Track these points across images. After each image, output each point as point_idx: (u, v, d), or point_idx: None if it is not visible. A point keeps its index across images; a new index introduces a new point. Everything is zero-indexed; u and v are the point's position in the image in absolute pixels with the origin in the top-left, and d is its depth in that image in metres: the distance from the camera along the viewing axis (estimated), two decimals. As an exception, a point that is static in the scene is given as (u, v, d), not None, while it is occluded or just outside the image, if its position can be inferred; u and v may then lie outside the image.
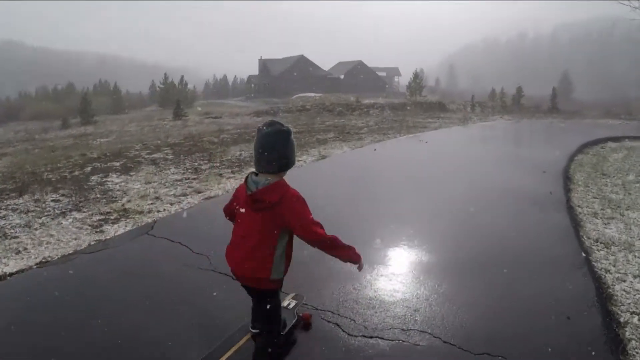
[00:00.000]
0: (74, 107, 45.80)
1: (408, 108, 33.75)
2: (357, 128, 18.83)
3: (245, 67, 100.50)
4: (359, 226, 6.04)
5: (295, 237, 2.70)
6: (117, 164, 10.89)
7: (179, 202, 7.40)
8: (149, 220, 6.32)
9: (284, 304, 3.43)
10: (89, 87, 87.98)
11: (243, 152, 12.44)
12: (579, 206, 7.35)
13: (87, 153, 13.10)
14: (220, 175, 9.46)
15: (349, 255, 2.69)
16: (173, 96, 55.37)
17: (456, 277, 4.40)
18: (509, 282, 4.30)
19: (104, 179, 9.17)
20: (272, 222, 2.56)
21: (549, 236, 5.81)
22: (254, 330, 3.11)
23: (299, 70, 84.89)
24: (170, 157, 11.89)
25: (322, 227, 2.60)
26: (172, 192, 7.99)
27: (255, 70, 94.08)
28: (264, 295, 2.77)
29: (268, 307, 2.77)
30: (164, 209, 6.93)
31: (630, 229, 6.29)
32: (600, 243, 5.66)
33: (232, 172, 9.76)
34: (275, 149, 2.54)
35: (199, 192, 7.96)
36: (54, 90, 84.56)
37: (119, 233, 5.83)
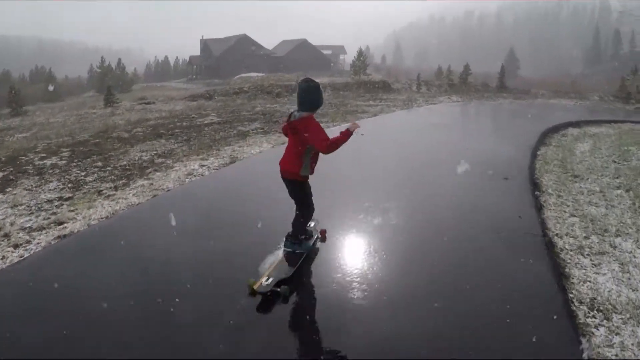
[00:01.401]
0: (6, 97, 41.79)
1: (350, 88, 31.57)
2: (288, 115, 16.36)
3: (189, 49, 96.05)
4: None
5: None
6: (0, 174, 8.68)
7: (28, 242, 5.24)
8: None
9: (310, 224, 4.78)
10: (24, 73, 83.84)
11: (145, 154, 10.10)
12: (557, 235, 5.26)
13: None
14: (99, 192, 7.19)
15: (347, 138, 3.97)
16: (111, 80, 53.62)
17: None
18: None
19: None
20: (300, 141, 4.05)
21: (526, 310, 3.66)
22: (285, 248, 4.39)
23: (241, 50, 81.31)
24: (62, 162, 9.70)
25: (328, 139, 3.90)
26: (28, 224, 5.84)
27: (198, 51, 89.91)
28: (297, 184, 4.23)
29: (300, 192, 4.28)
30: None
31: (629, 271, 4.44)
32: (598, 311, 3.71)
33: (115, 188, 7.40)
34: (306, 97, 4.08)
35: (60, 224, 5.77)
36: (-13, 78, 78.50)
37: None
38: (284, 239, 4.43)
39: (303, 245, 4.39)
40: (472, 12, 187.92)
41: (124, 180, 7.89)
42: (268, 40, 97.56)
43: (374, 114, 16.23)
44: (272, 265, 4.13)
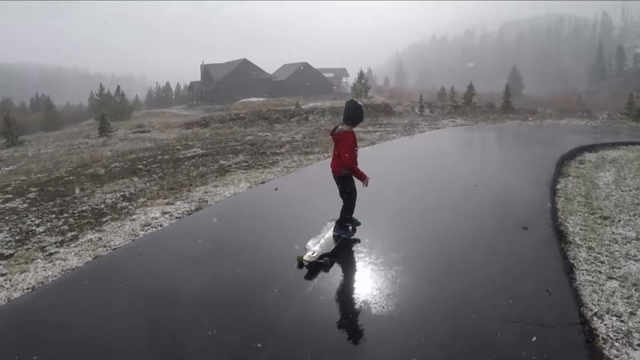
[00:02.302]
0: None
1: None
2: (279, 145, 15.24)
3: (191, 74, 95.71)
4: None
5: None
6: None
7: None
8: None
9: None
10: (25, 102, 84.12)
11: (111, 196, 9.04)
12: (596, 315, 4.00)
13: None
14: (43, 249, 6.15)
15: (360, 177, 5.17)
16: (110, 108, 54.48)
17: None
18: None
19: None
20: (339, 150, 5.16)
21: None
22: (333, 232, 5.48)
23: (242, 75, 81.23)
24: (24, 206, 8.81)
25: (353, 161, 5.14)
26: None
27: (199, 77, 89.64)
28: (343, 180, 5.31)
29: (345, 187, 5.33)
30: None
31: None
32: None
33: (61, 244, 6.33)
34: (348, 114, 5.09)
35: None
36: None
37: None
38: (334, 223, 5.59)
39: (346, 232, 5.52)
40: (473, 31, 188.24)
41: (74, 232, 6.79)
42: (269, 64, 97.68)
43: (371, 142, 15.03)
44: (316, 244, 5.22)
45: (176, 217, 7.09)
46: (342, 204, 5.45)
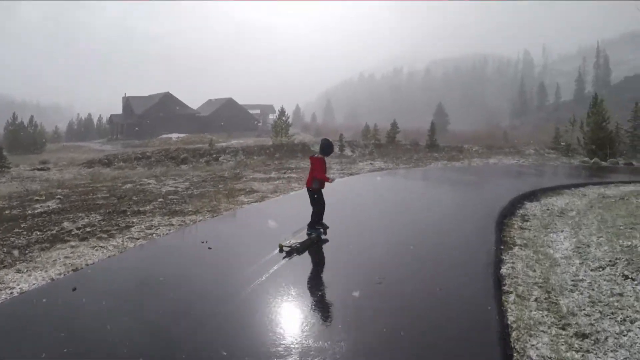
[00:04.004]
0: None
1: (266, 152, 27.73)
2: (150, 199, 11.92)
3: (117, 107, 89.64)
4: None
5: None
6: None
7: None
8: None
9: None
10: None
11: None
12: None
13: None
14: None
15: (326, 180, 7.36)
16: (21, 140, 51.10)
17: None
18: None
19: None
20: (313, 169, 7.38)
21: None
22: (308, 232, 7.50)
23: (165, 109, 76.86)
24: None
25: (322, 174, 7.33)
26: None
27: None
28: (315, 193, 7.41)
29: (316, 197, 7.45)
30: None
31: None
32: None
33: None
34: (323, 148, 7.46)
35: None
36: None
37: None
38: (307, 226, 7.60)
39: (316, 231, 7.57)
40: (401, 69, 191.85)
41: None
42: (195, 99, 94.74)
43: (261, 198, 11.83)
44: (293, 238, 7.26)
45: None
46: (313, 210, 7.58)
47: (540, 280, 5.53)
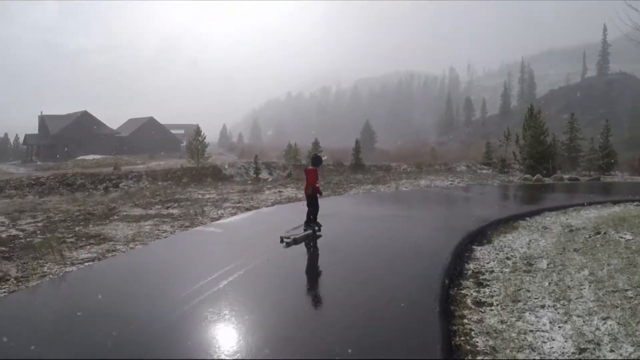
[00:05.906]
0: None
1: (173, 176, 23.99)
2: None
3: (34, 125, 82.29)
4: None
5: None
6: None
7: None
8: None
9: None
10: None
11: None
12: None
13: None
14: None
15: (318, 191, 9.12)
16: None
17: None
18: None
19: None
20: (307, 179, 9.13)
21: None
22: (304, 227, 9.06)
23: (82, 129, 71.28)
24: None
25: (314, 183, 8.97)
26: None
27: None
28: (311, 199, 9.11)
29: (313, 201, 9.13)
30: None
31: None
32: None
33: None
34: (313, 161, 9.29)
35: None
36: None
37: None
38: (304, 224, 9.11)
39: (312, 228, 9.04)
40: (329, 88, 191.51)
41: None
42: (118, 118, 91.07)
43: (105, 252, 8.12)
44: (292, 232, 8.72)
45: None
46: (308, 210, 9.20)
47: None
